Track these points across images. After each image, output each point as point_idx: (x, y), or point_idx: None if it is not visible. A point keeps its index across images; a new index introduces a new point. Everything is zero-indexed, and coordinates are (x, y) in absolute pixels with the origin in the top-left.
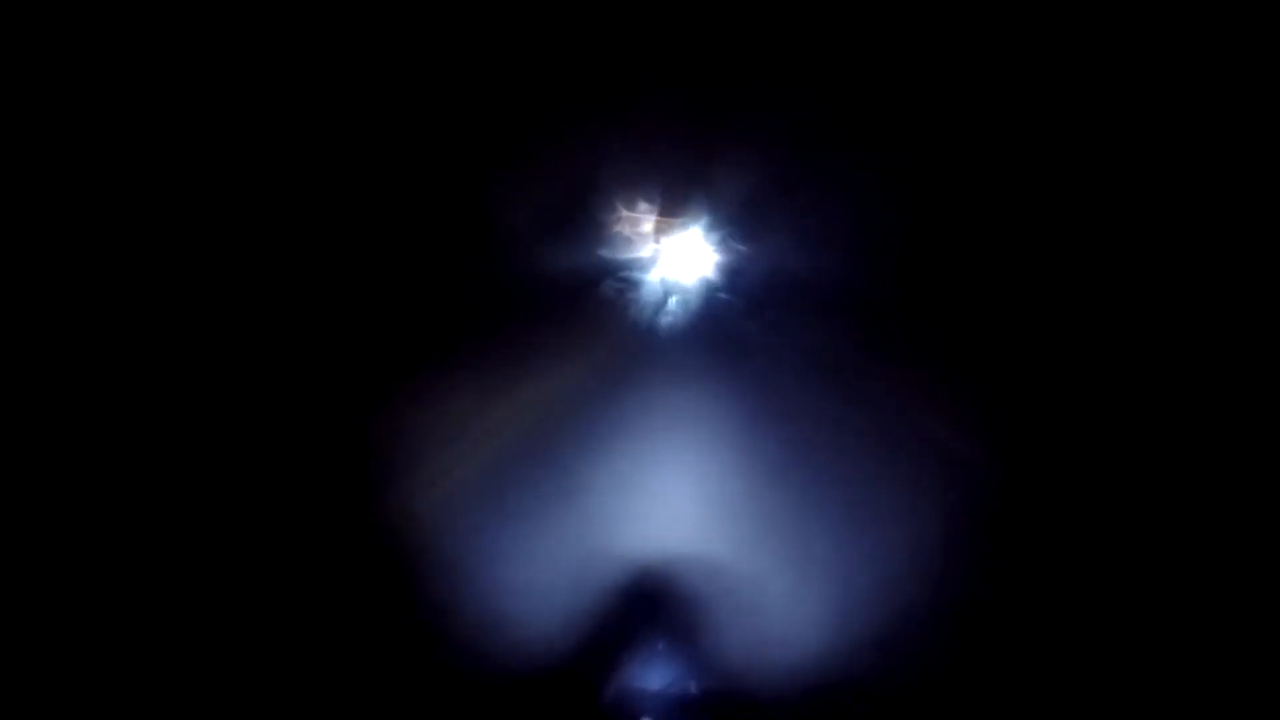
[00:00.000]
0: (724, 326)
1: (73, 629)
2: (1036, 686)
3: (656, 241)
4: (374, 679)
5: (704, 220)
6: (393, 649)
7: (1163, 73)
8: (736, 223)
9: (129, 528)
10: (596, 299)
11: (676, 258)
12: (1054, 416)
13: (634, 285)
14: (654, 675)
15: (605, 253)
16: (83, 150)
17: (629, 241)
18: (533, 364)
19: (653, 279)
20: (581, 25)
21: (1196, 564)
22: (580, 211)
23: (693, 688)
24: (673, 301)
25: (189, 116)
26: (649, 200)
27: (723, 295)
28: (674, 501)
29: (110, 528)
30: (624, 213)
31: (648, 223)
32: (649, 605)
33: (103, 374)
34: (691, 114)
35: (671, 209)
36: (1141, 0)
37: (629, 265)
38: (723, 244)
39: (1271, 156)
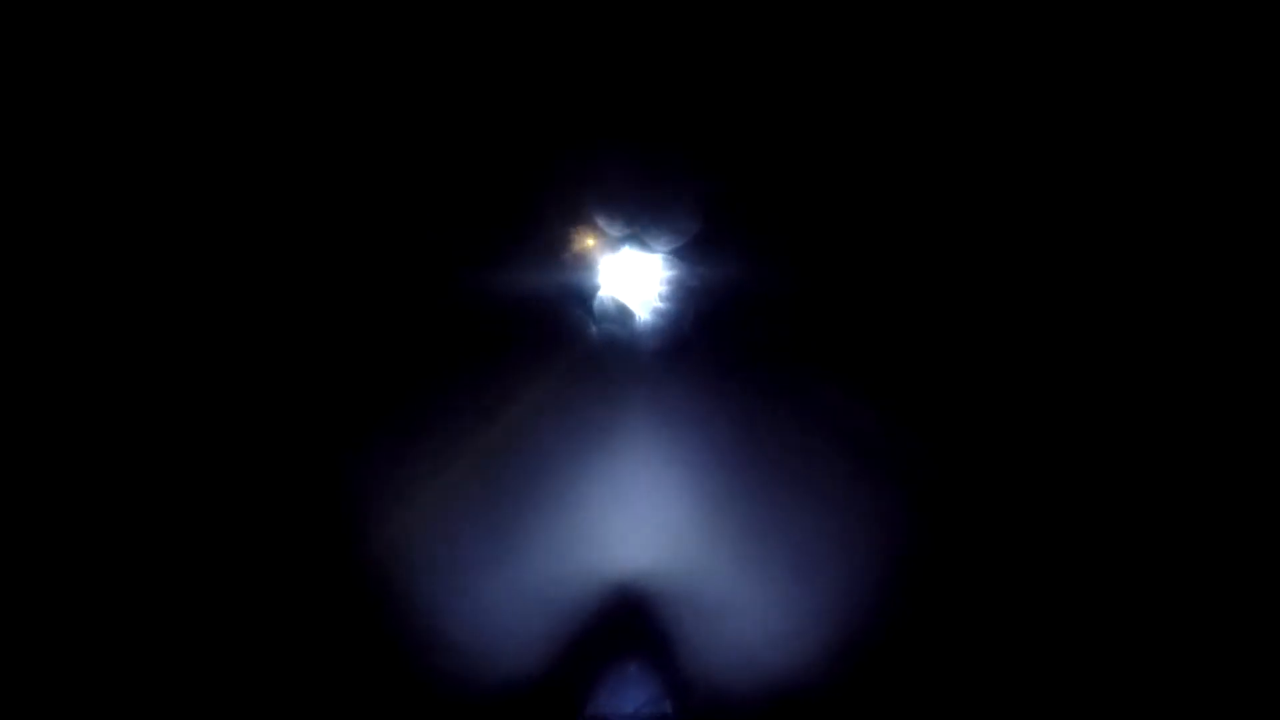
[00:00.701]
0: (681, 340)
1: (69, 646)
2: (1011, 684)
3: (602, 256)
4: (352, 702)
5: (654, 234)
6: (370, 672)
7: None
8: (687, 235)
9: (126, 538)
10: (554, 317)
11: (627, 273)
12: (1017, 415)
13: (590, 302)
14: (628, 696)
15: (557, 271)
16: (83, 152)
17: (578, 258)
18: (494, 385)
19: (607, 294)
20: (530, 40)
21: (1171, 562)
22: (531, 230)
23: (667, 707)
24: (630, 316)
25: (178, 141)
26: (595, 215)
27: (675, 308)
28: (642, 518)
29: (107, 538)
30: (573, 229)
31: (593, 238)
32: (620, 625)
33: (92, 381)
34: (639, 129)
35: (616, 223)
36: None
37: (582, 282)
38: (674, 257)
39: (1260, 159)
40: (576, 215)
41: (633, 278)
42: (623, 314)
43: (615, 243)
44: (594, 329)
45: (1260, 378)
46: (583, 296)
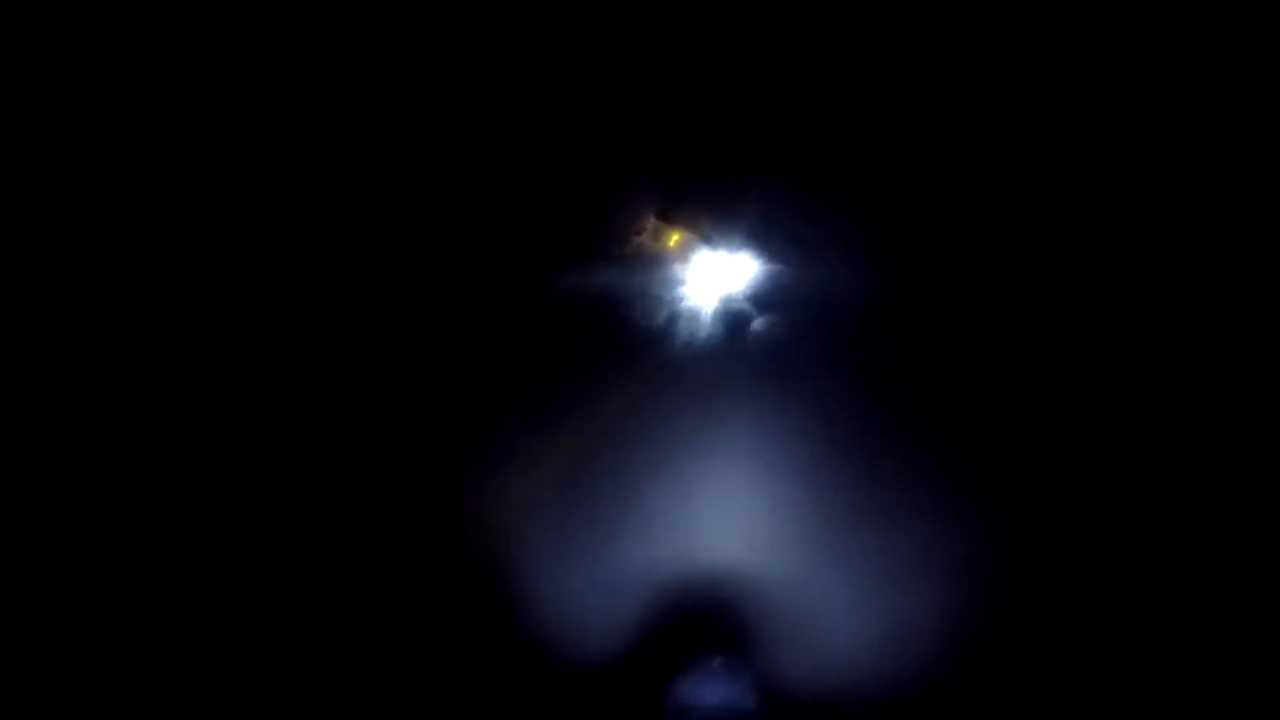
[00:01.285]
0: (759, 340)
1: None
2: (1090, 687)
3: (680, 257)
4: (439, 682)
5: (728, 234)
6: (458, 658)
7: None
8: (761, 236)
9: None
10: (633, 318)
11: (703, 273)
12: (1086, 425)
13: (667, 302)
14: (712, 690)
15: (633, 271)
16: (84, 153)
17: (654, 258)
18: (579, 386)
19: (684, 295)
20: (601, 39)
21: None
22: (604, 230)
23: (752, 702)
24: (706, 317)
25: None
26: (669, 215)
27: (755, 309)
28: (728, 517)
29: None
30: (646, 228)
31: (668, 237)
32: (706, 621)
33: (127, 380)
34: (710, 130)
35: (691, 223)
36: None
37: (659, 283)
38: (749, 258)
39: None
40: (658, 216)
41: (711, 279)
42: (714, 317)
43: (701, 244)
44: (684, 331)
45: (1260, 376)
46: (669, 298)
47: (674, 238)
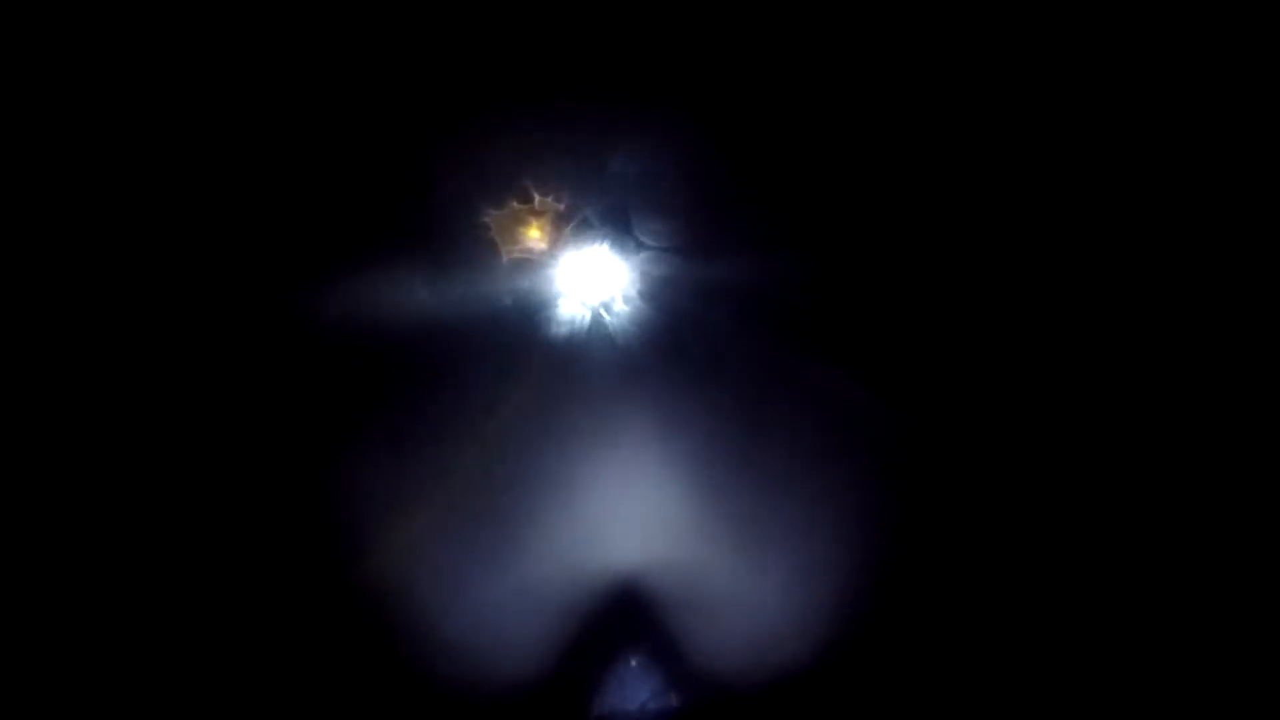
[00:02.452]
0: (655, 335)
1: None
2: (1011, 679)
3: (560, 248)
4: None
5: (615, 224)
6: (373, 679)
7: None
8: (649, 224)
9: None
10: (523, 321)
11: (592, 265)
12: (1017, 409)
13: (553, 299)
14: (633, 693)
15: (518, 271)
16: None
17: (536, 250)
18: (473, 393)
19: (573, 290)
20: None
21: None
22: (475, 221)
23: (673, 701)
24: (601, 314)
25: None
26: (548, 202)
27: (645, 303)
28: (634, 517)
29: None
30: (521, 216)
31: (547, 227)
32: (620, 623)
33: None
34: (602, 101)
35: (573, 212)
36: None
37: (544, 278)
38: (637, 249)
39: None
40: (526, 206)
41: (601, 273)
42: (593, 313)
43: (575, 235)
44: (566, 330)
45: (1260, 377)
46: (549, 296)
47: (537, 225)
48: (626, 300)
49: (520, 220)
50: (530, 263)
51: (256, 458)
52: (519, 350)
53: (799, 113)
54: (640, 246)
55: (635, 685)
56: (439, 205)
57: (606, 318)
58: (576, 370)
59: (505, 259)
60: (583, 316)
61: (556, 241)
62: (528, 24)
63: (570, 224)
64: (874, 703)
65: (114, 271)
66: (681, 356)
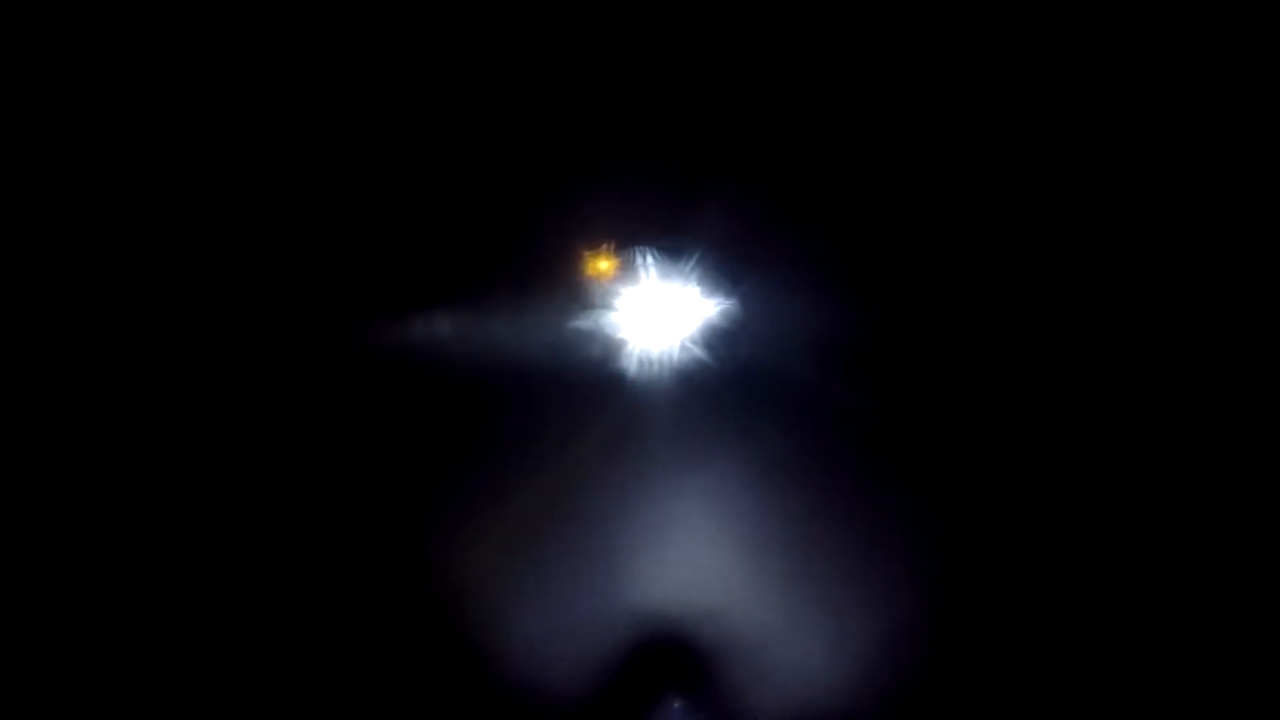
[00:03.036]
0: (711, 381)
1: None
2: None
3: (617, 293)
4: None
5: (675, 269)
6: (419, 705)
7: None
8: (713, 270)
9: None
10: (580, 364)
11: (650, 312)
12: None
13: (614, 346)
14: None
15: (576, 314)
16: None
17: (595, 297)
18: (529, 435)
19: (632, 338)
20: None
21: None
22: (543, 272)
23: None
24: (657, 360)
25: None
26: (609, 247)
27: (705, 350)
28: (682, 561)
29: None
30: (584, 264)
31: (606, 271)
32: (665, 664)
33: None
34: (661, 154)
35: (629, 248)
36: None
37: (604, 326)
38: (700, 295)
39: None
40: (588, 243)
41: (658, 311)
42: (646, 352)
43: (634, 273)
44: (630, 372)
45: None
46: (615, 338)
47: (606, 266)
48: (689, 345)
49: (592, 253)
50: (598, 297)
51: (320, 478)
52: (586, 389)
53: (856, 157)
54: (703, 292)
55: None
56: (516, 239)
57: (669, 361)
58: (640, 412)
59: (574, 289)
60: (646, 360)
61: (623, 274)
62: (602, 72)
63: (637, 259)
64: None
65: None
66: (743, 401)
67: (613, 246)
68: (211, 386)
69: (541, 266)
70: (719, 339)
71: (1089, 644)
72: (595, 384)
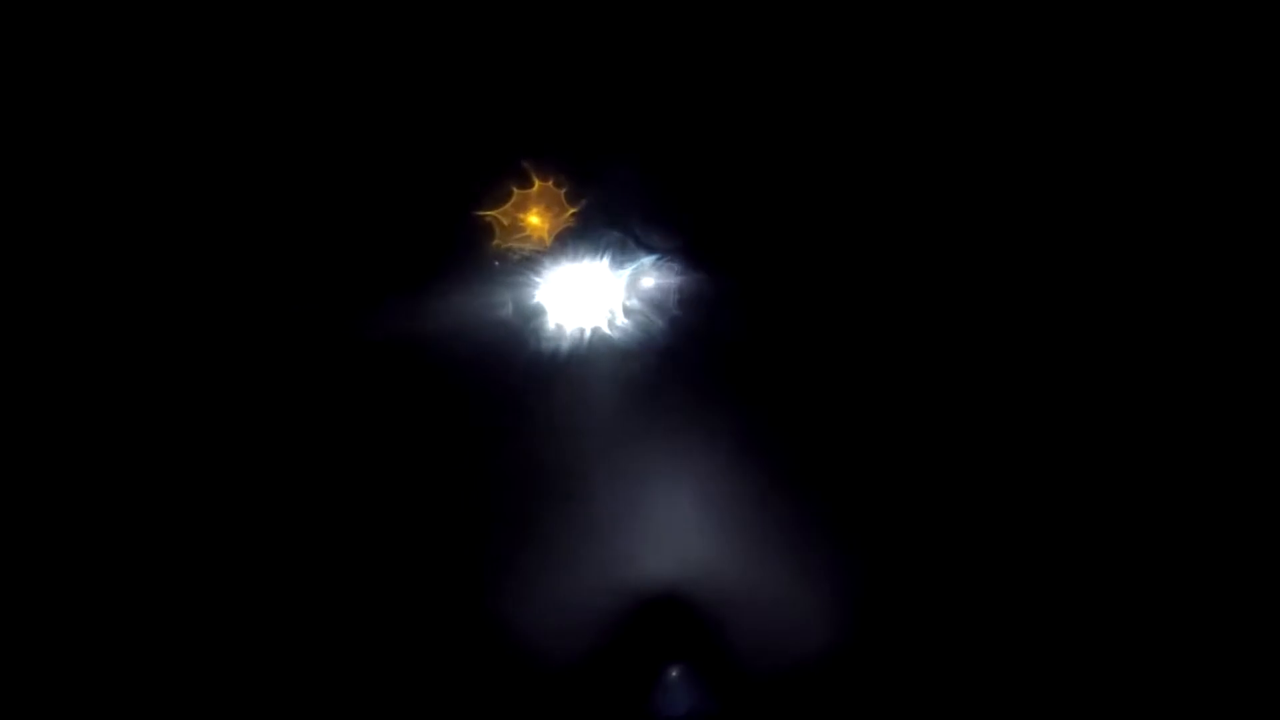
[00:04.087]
0: (663, 344)
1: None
2: (1051, 683)
3: (560, 237)
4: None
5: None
6: (418, 686)
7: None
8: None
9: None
10: (523, 324)
11: (585, 286)
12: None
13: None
14: (677, 700)
15: (515, 258)
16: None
17: (536, 239)
18: (496, 407)
19: (568, 314)
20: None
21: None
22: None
23: (715, 706)
24: (606, 325)
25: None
26: (549, 187)
27: (650, 313)
28: (666, 526)
29: None
30: (521, 202)
31: (547, 214)
32: (661, 633)
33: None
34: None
35: (574, 199)
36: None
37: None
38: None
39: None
40: (525, 191)
41: (602, 284)
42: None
43: (576, 233)
44: (572, 341)
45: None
46: (550, 305)
47: (536, 212)
48: (629, 311)
49: (520, 207)
50: (531, 254)
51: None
52: (526, 361)
53: (798, 117)
54: (640, 254)
55: (679, 692)
56: (436, 199)
57: (611, 329)
58: (591, 381)
59: (505, 248)
60: (587, 327)
61: (556, 229)
62: (533, 21)
63: (572, 211)
64: (913, 706)
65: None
66: (690, 365)
67: (553, 189)
68: (187, 381)
69: (471, 244)
70: (659, 311)
71: (1063, 594)
72: (539, 362)
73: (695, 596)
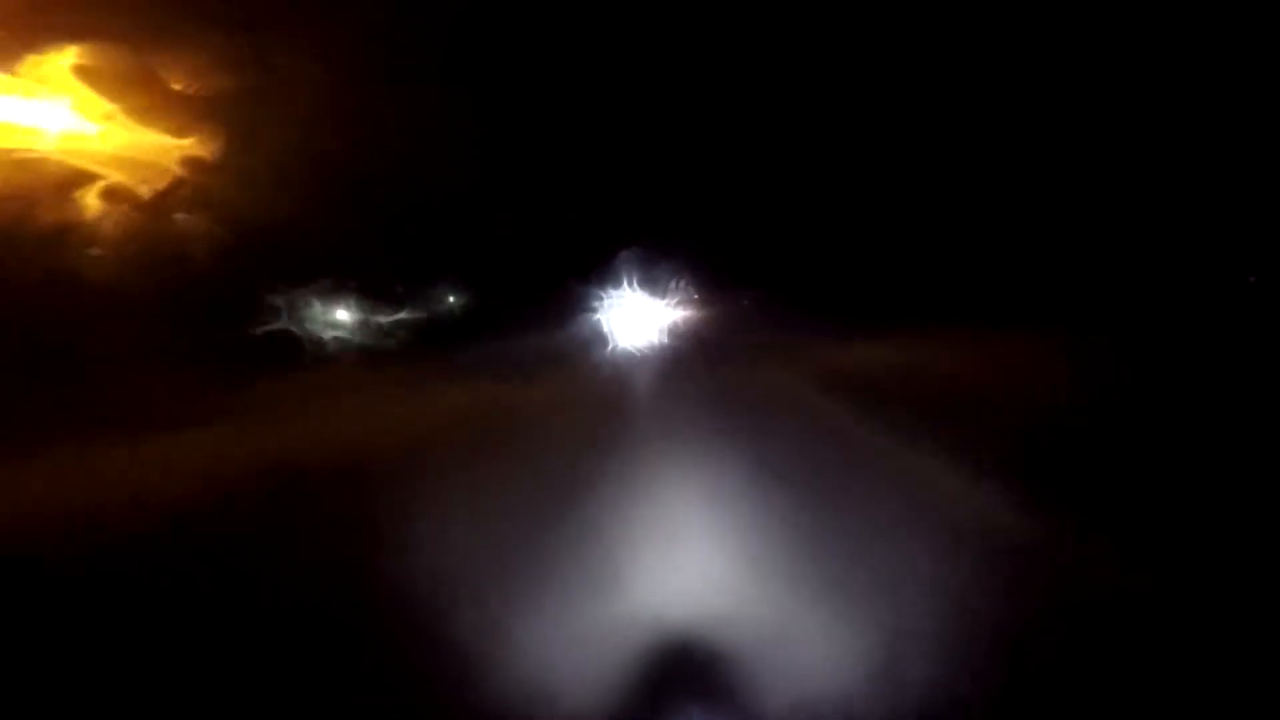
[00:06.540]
0: (712, 378)
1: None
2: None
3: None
4: None
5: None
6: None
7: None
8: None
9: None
10: (571, 366)
11: (634, 314)
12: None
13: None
14: None
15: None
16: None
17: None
18: (533, 437)
19: (619, 338)
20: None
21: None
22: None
23: None
24: (643, 360)
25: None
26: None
27: (681, 344)
28: (688, 566)
29: None
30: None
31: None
32: (679, 671)
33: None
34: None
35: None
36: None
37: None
38: (681, 297)
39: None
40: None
41: (639, 317)
42: (632, 352)
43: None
44: (611, 370)
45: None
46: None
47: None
48: (663, 341)
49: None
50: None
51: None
52: (578, 390)
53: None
54: (673, 292)
55: None
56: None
57: (646, 358)
58: (631, 415)
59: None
60: (625, 357)
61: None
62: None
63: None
64: None
65: None
66: (731, 404)
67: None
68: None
69: (532, 271)
70: (700, 340)
71: (1084, 626)
72: (587, 385)
73: (717, 634)
